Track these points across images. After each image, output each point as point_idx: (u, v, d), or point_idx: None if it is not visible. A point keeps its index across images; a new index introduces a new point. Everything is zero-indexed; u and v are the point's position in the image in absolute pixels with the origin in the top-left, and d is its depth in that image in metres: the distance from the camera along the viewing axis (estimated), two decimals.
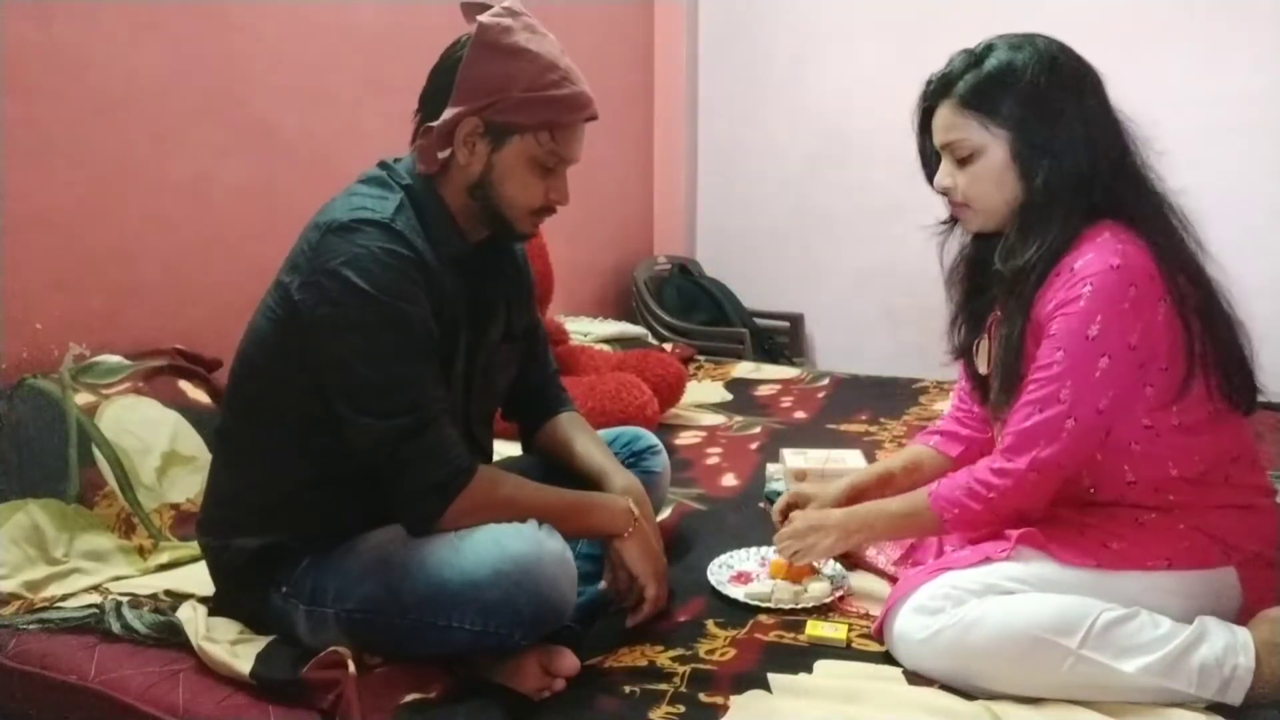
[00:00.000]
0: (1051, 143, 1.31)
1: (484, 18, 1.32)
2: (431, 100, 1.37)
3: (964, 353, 1.53)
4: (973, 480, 1.35)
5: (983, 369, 1.49)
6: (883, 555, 1.63)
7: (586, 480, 1.52)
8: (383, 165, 1.41)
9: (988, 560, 1.35)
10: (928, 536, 1.54)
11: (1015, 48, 1.34)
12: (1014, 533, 1.37)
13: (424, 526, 1.29)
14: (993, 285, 1.45)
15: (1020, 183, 1.34)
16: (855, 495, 1.61)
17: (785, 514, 1.59)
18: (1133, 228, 1.30)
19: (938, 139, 1.39)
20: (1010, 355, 1.36)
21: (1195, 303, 1.31)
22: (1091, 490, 1.37)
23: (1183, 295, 1.29)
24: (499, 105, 1.31)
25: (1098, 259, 1.27)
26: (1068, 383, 1.27)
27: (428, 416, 1.27)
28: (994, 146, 1.34)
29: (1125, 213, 1.32)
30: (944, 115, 1.37)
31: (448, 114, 1.32)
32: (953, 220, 1.50)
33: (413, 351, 1.28)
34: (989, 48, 1.36)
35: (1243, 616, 1.31)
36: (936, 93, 1.38)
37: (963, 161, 1.37)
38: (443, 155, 1.35)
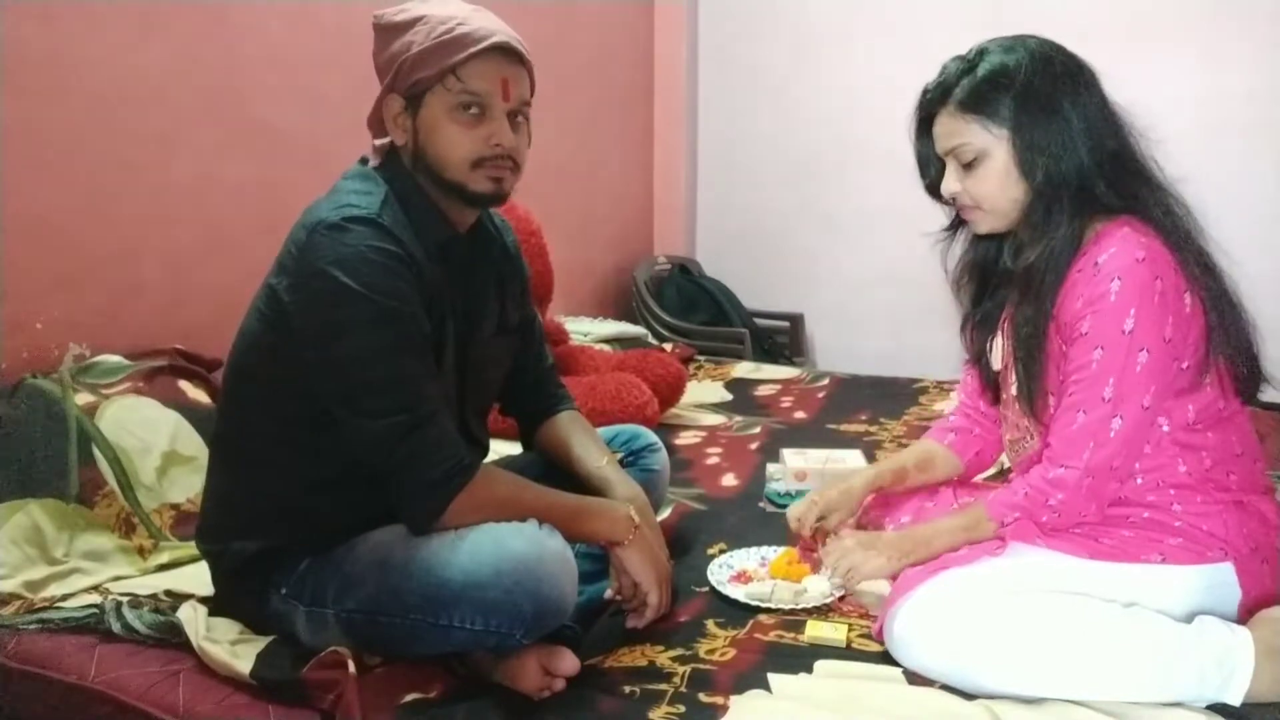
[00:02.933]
0: (1049, 139, 1.32)
1: (378, 11, 1.35)
2: None
3: (979, 354, 1.54)
4: (1030, 489, 1.34)
5: (997, 365, 1.50)
6: None
7: (588, 486, 1.52)
8: (365, 160, 1.41)
9: (983, 558, 1.35)
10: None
11: (1008, 50, 1.35)
12: (1007, 529, 1.37)
13: (425, 524, 1.29)
14: (1002, 285, 1.46)
15: (1023, 181, 1.35)
16: (877, 493, 1.64)
17: (816, 529, 1.58)
18: (1145, 221, 1.31)
19: (941, 146, 1.40)
20: (1030, 354, 1.36)
21: (1209, 293, 1.31)
22: (1138, 483, 1.36)
23: (1200, 286, 1.30)
24: (401, 72, 1.32)
25: (1121, 252, 1.27)
26: (1109, 380, 1.27)
27: (425, 414, 1.27)
28: (996, 148, 1.34)
29: (1133, 205, 1.32)
30: (945, 122, 1.38)
31: (375, 104, 1.36)
32: (953, 227, 1.51)
33: (406, 349, 1.27)
34: (982, 52, 1.37)
35: (1241, 612, 1.31)
36: (934, 100, 1.39)
37: (968, 166, 1.37)
38: (380, 143, 1.37)
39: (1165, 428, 1.33)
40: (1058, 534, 1.34)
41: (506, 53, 1.33)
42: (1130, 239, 1.28)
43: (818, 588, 1.55)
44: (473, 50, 1.30)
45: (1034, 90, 1.32)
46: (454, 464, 1.28)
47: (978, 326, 1.53)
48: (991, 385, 1.54)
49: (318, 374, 1.28)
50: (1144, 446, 1.33)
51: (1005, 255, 1.40)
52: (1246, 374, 1.35)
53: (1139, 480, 1.34)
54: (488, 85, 1.32)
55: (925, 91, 1.41)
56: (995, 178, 1.35)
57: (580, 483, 1.53)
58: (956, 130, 1.36)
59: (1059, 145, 1.31)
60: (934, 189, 1.45)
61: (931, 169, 1.45)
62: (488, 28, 1.32)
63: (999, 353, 1.50)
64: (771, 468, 2.11)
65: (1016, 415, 1.47)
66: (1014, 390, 1.43)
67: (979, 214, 1.40)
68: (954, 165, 1.39)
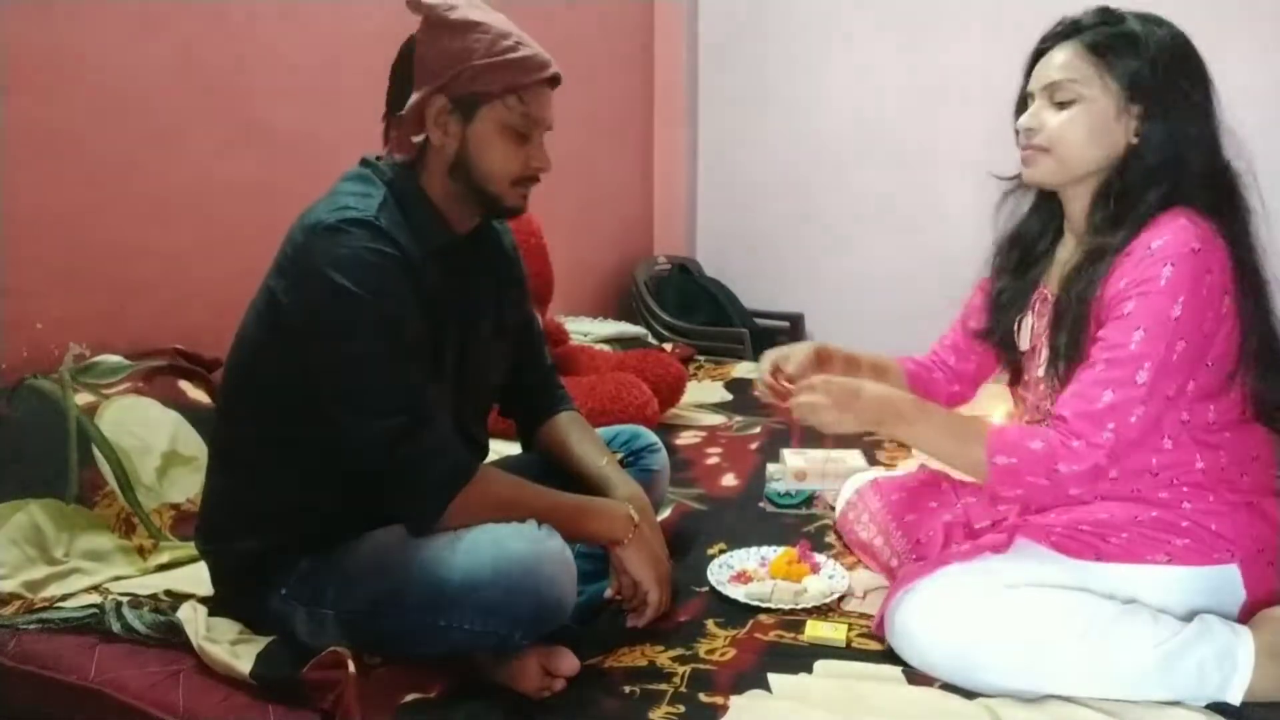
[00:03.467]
0: (1169, 120, 1.29)
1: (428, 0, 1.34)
2: (396, 96, 1.38)
3: (1003, 330, 1.50)
4: (1046, 444, 1.26)
5: (1024, 345, 1.47)
6: (888, 548, 1.63)
7: (588, 486, 1.52)
8: (365, 162, 1.41)
9: (986, 554, 1.35)
10: (958, 471, 1.48)
11: (1150, 20, 1.33)
12: (1012, 524, 1.37)
13: (425, 526, 1.29)
14: (1039, 262, 1.44)
15: (1119, 149, 1.31)
16: (823, 359, 1.56)
17: (775, 373, 1.52)
18: (1210, 219, 1.28)
19: (1044, 77, 1.35)
20: (1077, 329, 1.32)
21: (1255, 308, 1.30)
22: (1114, 477, 1.32)
23: (1246, 295, 1.29)
24: (461, 77, 1.32)
25: (1176, 240, 1.24)
26: (1146, 364, 1.23)
27: (422, 415, 1.27)
28: (1103, 99, 1.31)
29: (1209, 209, 1.29)
30: (1062, 55, 1.34)
31: (414, 98, 1.34)
32: (1018, 181, 1.46)
33: (403, 351, 1.27)
34: (1122, 12, 1.34)
35: (1243, 614, 1.31)
36: (1061, 34, 1.35)
37: (1062, 105, 1.33)
38: (417, 140, 1.36)
39: (1185, 418, 1.31)
40: (1063, 536, 1.33)
41: (555, 82, 1.39)
42: (1188, 229, 1.25)
43: (817, 588, 1.56)
44: (539, 77, 1.35)
45: (1171, 66, 1.29)
46: (452, 465, 1.28)
47: (1006, 304, 1.50)
48: (1013, 367, 1.52)
49: (315, 376, 1.28)
50: (1163, 439, 1.31)
51: (1091, 226, 1.35)
52: (1271, 403, 1.33)
53: (1154, 471, 1.32)
54: (543, 113, 1.38)
55: (1057, 25, 1.37)
56: (1086, 128, 1.32)
57: (580, 483, 1.53)
58: (1069, 64, 1.32)
59: (1174, 129, 1.29)
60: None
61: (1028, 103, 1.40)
62: (543, 55, 1.37)
63: (1028, 333, 1.46)
64: (771, 468, 2.11)
65: (1038, 397, 1.44)
66: (1040, 371, 1.41)
67: (1044, 159, 1.35)
68: (1044, 100, 1.35)
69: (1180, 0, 3.21)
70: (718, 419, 2.71)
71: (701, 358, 3.45)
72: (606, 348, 3.06)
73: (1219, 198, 1.31)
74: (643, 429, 1.80)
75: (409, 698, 1.25)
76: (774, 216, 4.07)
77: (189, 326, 2.17)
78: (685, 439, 2.50)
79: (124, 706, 1.30)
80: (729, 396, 2.97)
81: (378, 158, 1.41)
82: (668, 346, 3.39)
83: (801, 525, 1.90)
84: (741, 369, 3.30)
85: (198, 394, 2.00)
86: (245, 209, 2.30)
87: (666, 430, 2.51)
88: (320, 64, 2.50)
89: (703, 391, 3.00)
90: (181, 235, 2.20)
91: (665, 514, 1.92)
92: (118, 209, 2.07)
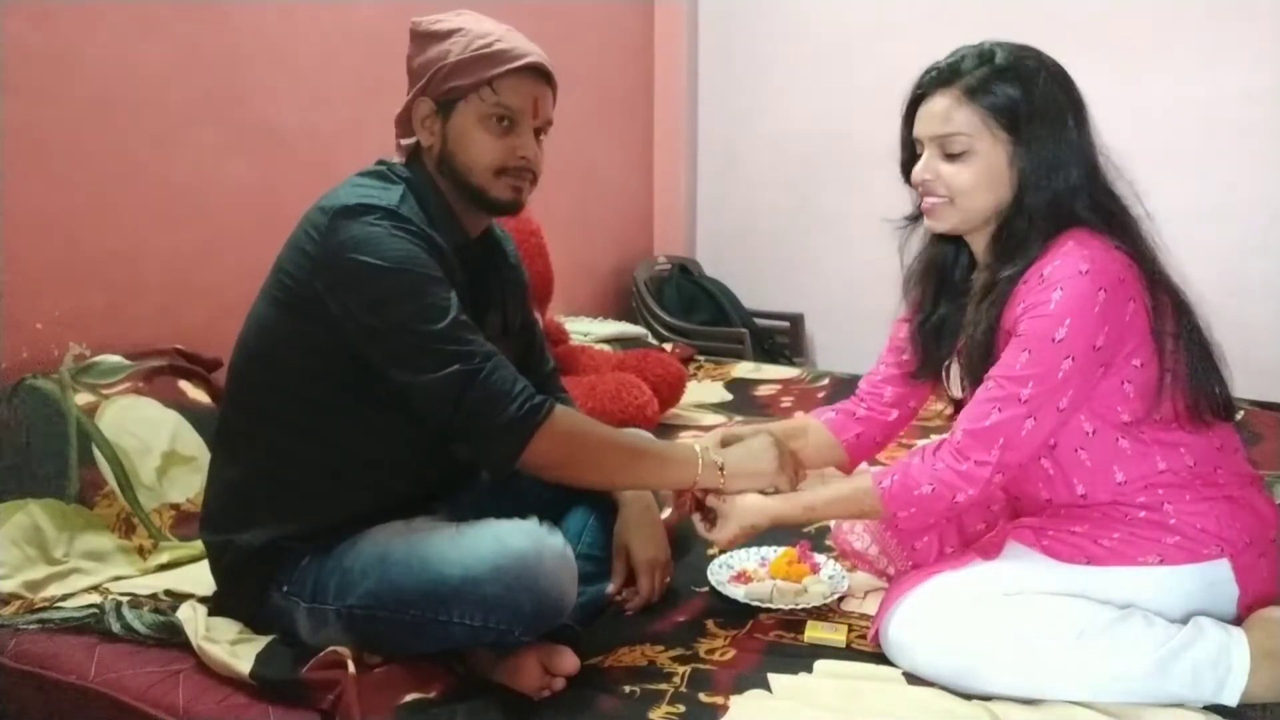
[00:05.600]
0: (1055, 155, 1.30)
1: (417, 17, 1.40)
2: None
3: (930, 371, 1.50)
4: (938, 484, 1.30)
5: (957, 393, 1.46)
6: (883, 556, 1.63)
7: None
8: (381, 163, 1.44)
9: (979, 561, 1.35)
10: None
11: (1022, 55, 1.33)
12: (1006, 527, 1.37)
13: (507, 465, 1.29)
14: (958, 297, 1.43)
15: (1012, 190, 1.32)
16: (726, 441, 1.54)
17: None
18: (1102, 236, 1.29)
19: (929, 128, 1.34)
20: (987, 359, 1.33)
21: (1173, 307, 1.31)
22: (1083, 495, 1.35)
23: (1157, 296, 1.29)
24: (436, 78, 1.37)
25: (1066, 265, 1.26)
26: (1029, 384, 1.26)
27: (480, 360, 1.28)
28: (994, 147, 1.31)
29: (1102, 226, 1.30)
30: (942, 103, 1.32)
31: (404, 104, 1.40)
32: (915, 218, 1.46)
33: (445, 307, 1.28)
34: (994, 49, 1.33)
35: (1241, 609, 1.31)
36: (938, 80, 1.34)
37: (953, 156, 1.33)
38: (406, 143, 1.41)
39: (1126, 419, 1.31)
40: (1055, 540, 1.33)
41: (539, 73, 1.39)
42: (1074, 252, 1.26)
43: (817, 588, 1.56)
44: (510, 66, 1.36)
45: (1048, 100, 1.29)
46: (524, 402, 1.29)
47: (930, 340, 1.49)
48: (956, 406, 1.50)
49: (363, 345, 1.29)
50: (1047, 446, 1.32)
51: (986, 269, 1.36)
52: (1215, 407, 1.33)
53: (1120, 479, 1.33)
54: (520, 101, 1.38)
55: (930, 70, 1.36)
56: (981, 176, 1.31)
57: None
58: (953, 116, 1.31)
59: (1059, 163, 1.30)
60: (909, 168, 1.41)
61: (911, 151, 1.40)
62: (524, 47, 1.38)
63: (958, 381, 1.46)
64: None
65: None
66: None
67: (947, 210, 1.35)
68: (934, 151, 1.34)
69: (1181, 1, 3.24)
70: (718, 419, 2.71)
71: (701, 358, 3.45)
72: (606, 348, 3.06)
73: (1109, 215, 1.32)
74: (643, 432, 1.80)
75: (409, 698, 1.25)
76: (774, 216, 4.07)
77: (189, 326, 2.17)
78: (685, 439, 2.49)
79: (124, 706, 1.31)
80: (729, 396, 2.97)
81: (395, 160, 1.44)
82: (668, 346, 3.39)
83: (802, 525, 1.90)
84: (741, 369, 3.30)
85: (198, 394, 2.00)
86: (245, 209, 2.30)
87: (666, 430, 2.51)
88: (320, 64, 2.50)
89: (703, 391, 3.00)
90: (181, 235, 2.20)
91: (666, 514, 1.92)
92: (117, 209, 2.08)
